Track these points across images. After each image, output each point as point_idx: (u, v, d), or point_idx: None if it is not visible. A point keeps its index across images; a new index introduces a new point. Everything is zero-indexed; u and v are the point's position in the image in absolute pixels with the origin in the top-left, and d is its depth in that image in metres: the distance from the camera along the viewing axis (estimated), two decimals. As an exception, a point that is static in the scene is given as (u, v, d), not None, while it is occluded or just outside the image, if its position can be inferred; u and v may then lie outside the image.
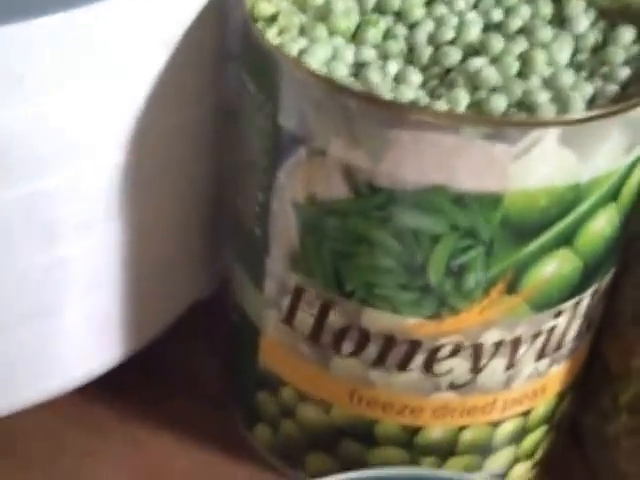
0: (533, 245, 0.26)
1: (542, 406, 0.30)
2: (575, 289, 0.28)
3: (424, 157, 0.25)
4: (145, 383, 0.34)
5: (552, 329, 0.28)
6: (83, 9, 0.26)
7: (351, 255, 0.27)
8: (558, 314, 0.28)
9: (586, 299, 0.28)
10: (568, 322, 0.28)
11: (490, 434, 0.30)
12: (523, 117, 0.25)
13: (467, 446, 0.30)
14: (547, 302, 0.27)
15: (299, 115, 0.26)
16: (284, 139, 0.27)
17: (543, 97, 0.26)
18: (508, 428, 0.30)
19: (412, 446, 0.30)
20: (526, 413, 0.30)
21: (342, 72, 0.28)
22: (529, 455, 0.32)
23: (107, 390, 0.33)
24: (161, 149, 0.29)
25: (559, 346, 0.29)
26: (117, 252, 0.30)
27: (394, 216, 0.26)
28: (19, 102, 0.26)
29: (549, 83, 0.27)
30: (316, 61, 0.27)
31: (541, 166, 0.25)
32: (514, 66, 0.27)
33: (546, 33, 0.28)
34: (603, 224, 0.27)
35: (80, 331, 0.31)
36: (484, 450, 0.30)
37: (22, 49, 0.25)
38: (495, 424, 0.30)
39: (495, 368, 0.28)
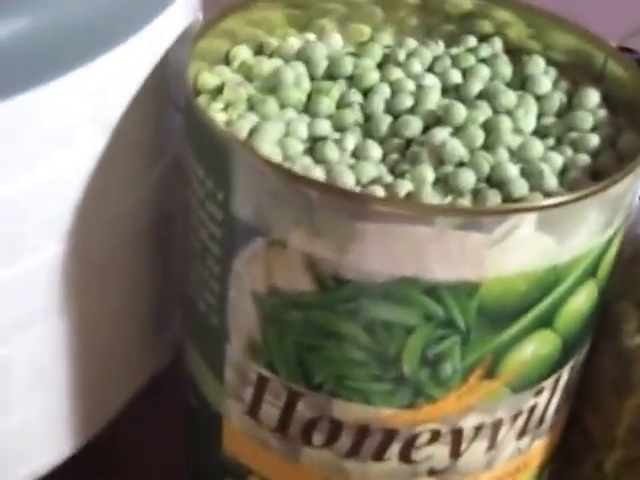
0: (512, 330, 0.25)
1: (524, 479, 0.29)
2: (555, 366, 0.26)
3: (393, 248, 0.23)
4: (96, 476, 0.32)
5: (533, 407, 0.27)
6: (17, 98, 0.24)
7: (318, 348, 0.25)
8: (538, 392, 0.26)
9: (565, 373, 0.27)
10: (549, 398, 0.27)
11: (471, 514, 0.28)
12: (498, 205, 0.24)
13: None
14: (527, 383, 0.26)
15: (255, 205, 0.24)
16: (239, 229, 0.25)
17: (513, 171, 0.25)
18: (490, 506, 0.29)
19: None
20: (508, 489, 0.29)
21: (297, 148, 0.26)
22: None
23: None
24: (102, 238, 0.27)
25: (541, 422, 0.27)
26: (60, 347, 0.28)
27: (363, 309, 0.24)
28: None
29: (517, 154, 0.26)
30: (268, 140, 0.25)
31: (518, 252, 0.23)
32: (479, 136, 0.26)
33: (509, 98, 0.27)
34: (582, 301, 0.25)
35: (25, 430, 0.29)
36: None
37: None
38: (476, 504, 0.28)
39: (476, 451, 0.27)
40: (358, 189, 0.24)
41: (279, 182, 0.23)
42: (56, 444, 0.30)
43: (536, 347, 0.25)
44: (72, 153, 0.26)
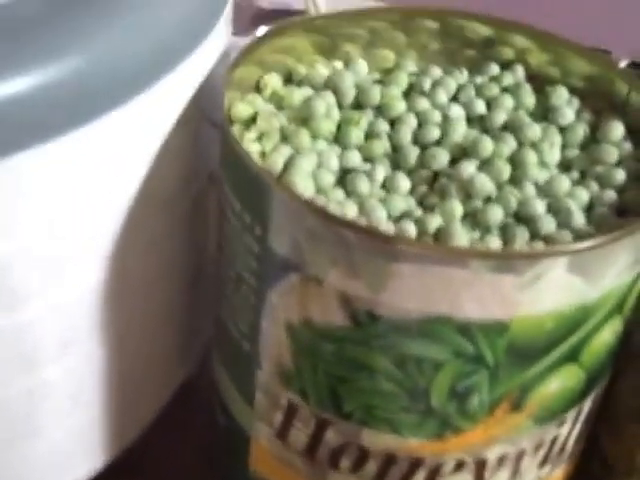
0: (539, 366, 0.25)
1: (543, 504, 0.29)
2: (577, 399, 0.27)
3: (428, 288, 0.24)
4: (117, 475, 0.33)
5: (555, 438, 0.27)
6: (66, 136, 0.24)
7: (349, 379, 0.26)
8: (561, 424, 0.27)
9: (587, 405, 0.27)
10: (570, 429, 0.28)
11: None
12: (531, 249, 0.24)
13: None
14: (550, 415, 0.27)
15: (292, 241, 0.25)
16: (275, 263, 0.25)
17: (540, 208, 0.26)
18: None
19: None
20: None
21: (329, 180, 0.26)
22: None
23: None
24: (141, 263, 0.28)
25: (562, 451, 0.28)
26: (98, 367, 0.29)
27: (395, 344, 0.25)
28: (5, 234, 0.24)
29: (544, 189, 0.26)
30: (303, 174, 0.26)
31: (549, 293, 0.24)
32: (506, 171, 0.26)
33: (534, 130, 0.27)
34: (608, 336, 0.26)
35: (63, 446, 0.29)
36: None
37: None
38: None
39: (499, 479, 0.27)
40: (392, 229, 0.25)
41: (316, 222, 0.24)
42: (90, 459, 0.30)
43: (561, 381, 0.26)
44: (113, 185, 0.26)
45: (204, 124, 0.28)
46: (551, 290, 0.24)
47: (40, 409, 0.28)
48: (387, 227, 0.25)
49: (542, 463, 0.28)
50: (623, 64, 0.35)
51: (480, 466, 0.27)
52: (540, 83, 0.30)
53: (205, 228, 0.31)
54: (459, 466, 0.27)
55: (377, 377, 0.25)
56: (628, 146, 0.28)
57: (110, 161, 0.25)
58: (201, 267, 0.31)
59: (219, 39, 0.28)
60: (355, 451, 0.27)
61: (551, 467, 0.28)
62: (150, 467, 0.33)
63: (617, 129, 0.28)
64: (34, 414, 0.27)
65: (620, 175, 0.27)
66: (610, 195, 0.26)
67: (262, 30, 0.29)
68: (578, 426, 0.28)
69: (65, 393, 0.28)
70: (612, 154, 0.27)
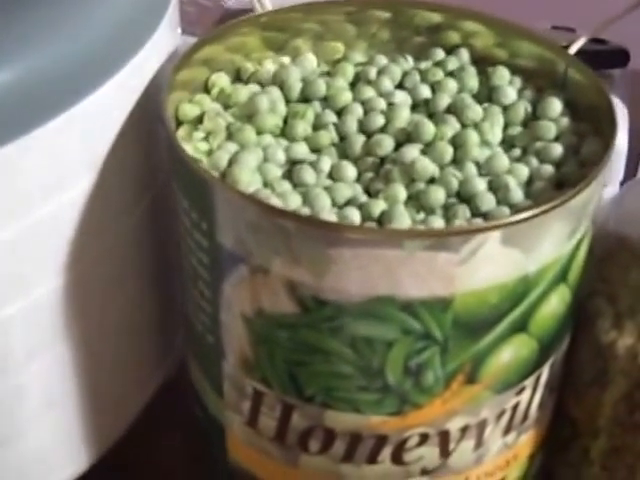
0: (488, 338, 0.26)
1: (515, 471, 0.30)
2: (534, 366, 0.28)
3: (368, 270, 0.25)
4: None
5: (516, 406, 0.28)
6: (10, 144, 0.25)
7: (306, 363, 0.27)
8: (520, 392, 0.28)
9: (545, 371, 0.28)
10: (531, 396, 0.28)
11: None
12: (463, 226, 0.25)
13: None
14: (508, 384, 0.27)
15: (236, 234, 0.26)
16: (224, 256, 0.26)
17: (481, 186, 0.26)
18: (483, 498, 0.30)
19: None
20: (500, 480, 0.30)
21: (275, 174, 0.27)
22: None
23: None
24: (100, 267, 0.29)
25: (525, 418, 0.29)
26: (69, 369, 0.30)
27: (344, 326, 0.26)
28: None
29: (484, 167, 0.27)
30: (247, 169, 0.27)
31: (487, 267, 0.25)
32: (448, 152, 0.27)
33: (476, 111, 0.28)
34: (555, 305, 0.27)
35: (41, 450, 0.30)
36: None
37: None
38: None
39: (464, 450, 0.28)
40: (333, 215, 0.26)
41: (257, 215, 0.25)
42: (72, 461, 0.31)
43: (513, 351, 0.26)
44: (64, 192, 0.27)
45: (156, 125, 0.29)
46: (489, 264, 0.25)
47: (15, 414, 0.28)
48: (329, 215, 0.26)
49: (506, 431, 0.28)
50: (583, 41, 0.36)
51: (444, 438, 0.28)
52: (487, 65, 0.30)
53: (170, 226, 0.32)
54: (423, 440, 0.28)
55: (332, 360, 0.26)
56: (566, 121, 0.28)
57: (57, 167, 0.26)
58: (169, 265, 0.32)
59: (163, 40, 0.29)
60: (322, 433, 0.28)
61: (517, 433, 0.29)
62: (133, 464, 0.34)
63: (555, 105, 0.28)
64: (9, 420, 0.28)
65: (557, 150, 0.27)
66: (548, 170, 0.27)
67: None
68: (539, 392, 0.28)
69: (39, 398, 0.29)
70: (550, 130, 0.28)
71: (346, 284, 0.25)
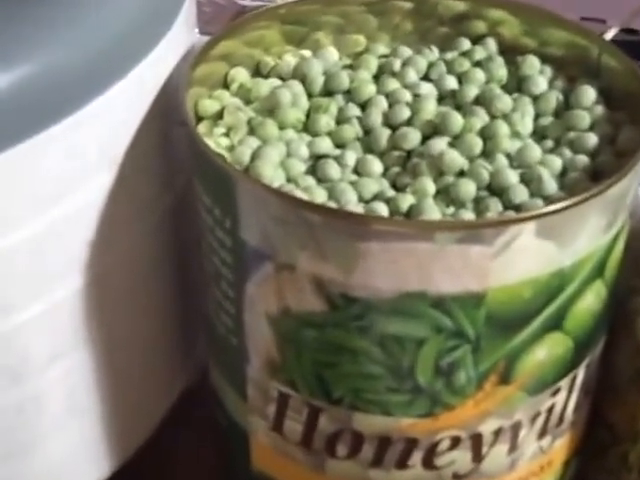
0: (521, 335, 0.25)
1: (549, 478, 0.29)
2: (569, 366, 0.27)
3: (398, 265, 0.24)
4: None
5: (551, 408, 0.27)
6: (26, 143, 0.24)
7: (334, 364, 0.26)
8: (555, 393, 0.27)
9: (581, 372, 0.27)
10: (566, 397, 0.27)
11: (499, 513, 0.29)
12: (496, 217, 0.24)
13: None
14: (542, 385, 0.26)
15: (261, 230, 0.25)
16: (248, 254, 0.25)
17: (512, 178, 0.25)
18: (517, 504, 0.29)
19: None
20: (534, 486, 0.29)
21: (299, 169, 0.26)
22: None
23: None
24: (121, 267, 0.28)
25: (560, 421, 0.28)
26: (89, 376, 0.29)
27: (374, 325, 0.25)
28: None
29: (516, 159, 0.26)
30: (270, 164, 0.26)
31: (521, 260, 0.24)
32: (477, 144, 0.26)
33: (505, 102, 0.27)
34: (591, 301, 0.26)
35: (62, 458, 0.29)
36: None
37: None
38: (503, 503, 0.29)
39: (497, 454, 0.27)
40: (360, 209, 0.25)
41: (281, 209, 0.24)
42: (94, 469, 0.31)
43: (548, 350, 0.25)
44: (83, 191, 0.26)
45: (174, 123, 0.28)
46: (523, 257, 0.24)
47: (33, 423, 0.28)
48: (356, 209, 0.25)
49: (541, 434, 0.27)
50: (614, 31, 0.35)
51: (476, 441, 0.27)
52: (514, 55, 0.30)
53: (190, 226, 0.31)
54: (455, 443, 0.27)
55: (360, 360, 0.25)
56: (601, 110, 0.27)
57: (75, 165, 0.25)
58: (190, 266, 0.31)
59: (179, 37, 0.28)
60: (349, 436, 0.27)
61: (552, 437, 0.28)
62: (150, 473, 0.33)
63: (589, 93, 0.27)
64: (27, 428, 0.28)
65: (592, 140, 0.26)
66: (583, 160, 0.26)
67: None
68: (575, 394, 0.27)
69: (58, 405, 0.28)
70: (584, 119, 0.27)
71: (375, 280, 0.24)
